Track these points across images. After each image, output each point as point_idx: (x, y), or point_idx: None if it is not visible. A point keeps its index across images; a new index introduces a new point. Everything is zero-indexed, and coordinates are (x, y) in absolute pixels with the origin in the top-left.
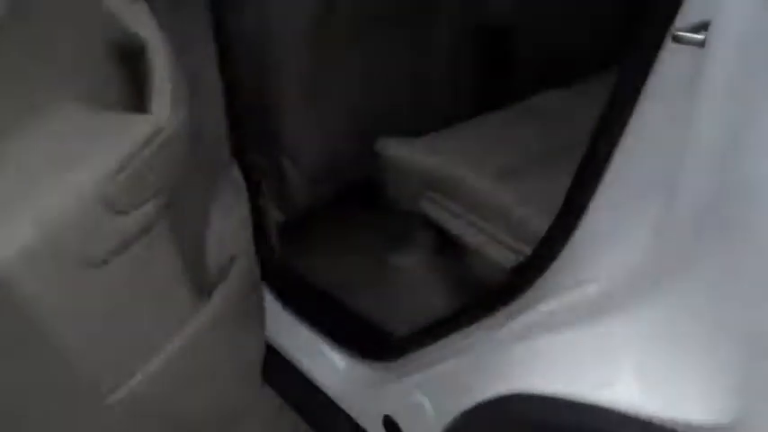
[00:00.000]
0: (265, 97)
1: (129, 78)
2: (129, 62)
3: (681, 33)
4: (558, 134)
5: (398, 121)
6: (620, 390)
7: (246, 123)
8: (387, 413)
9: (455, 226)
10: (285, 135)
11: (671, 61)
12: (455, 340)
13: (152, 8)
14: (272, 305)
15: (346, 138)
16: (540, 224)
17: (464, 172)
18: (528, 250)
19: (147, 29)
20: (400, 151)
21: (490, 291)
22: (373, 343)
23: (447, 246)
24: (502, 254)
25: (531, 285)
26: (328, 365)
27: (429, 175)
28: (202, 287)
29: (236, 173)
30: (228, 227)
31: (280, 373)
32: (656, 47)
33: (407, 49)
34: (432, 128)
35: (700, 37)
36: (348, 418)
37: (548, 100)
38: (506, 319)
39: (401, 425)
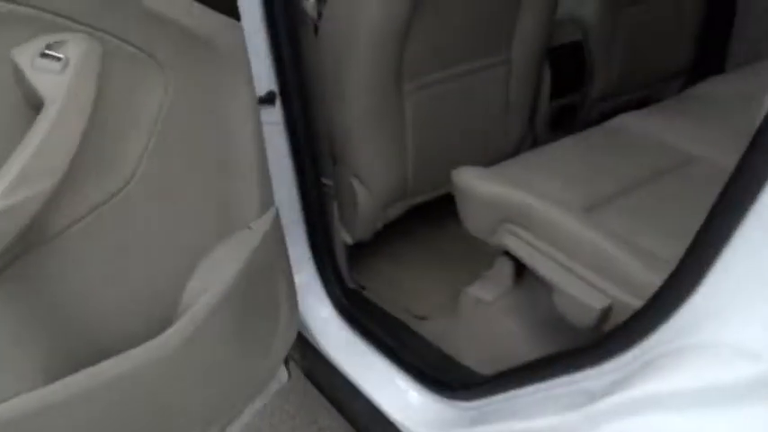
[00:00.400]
0: (339, 124)
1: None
2: None
3: None
4: (641, 160)
5: (473, 144)
6: None
7: (318, 148)
8: None
9: (537, 262)
10: (357, 159)
11: None
12: (541, 392)
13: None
14: (343, 332)
15: (416, 162)
16: (632, 264)
17: (547, 206)
18: (619, 292)
19: (50, 87)
20: (478, 181)
21: (593, 340)
22: (450, 379)
23: (528, 279)
24: (589, 294)
25: (643, 340)
26: (401, 399)
27: (509, 208)
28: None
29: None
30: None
31: (350, 401)
32: None
33: (482, 76)
34: (505, 151)
35: None
36: None
37: (625, 123)
38: (609, 383)
39: None
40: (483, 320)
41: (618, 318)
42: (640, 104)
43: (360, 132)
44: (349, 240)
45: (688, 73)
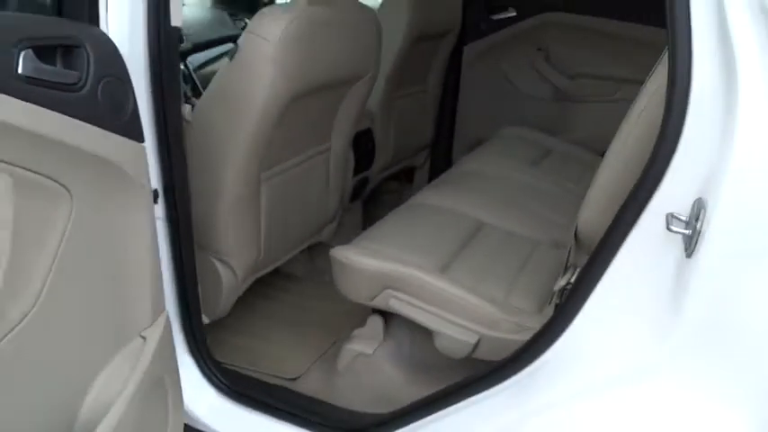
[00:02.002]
0: (206, 214)
1: None
2: None
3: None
4: (453, 227)
5: (305, 217)
6: None
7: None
8: None
9: (418, 315)
10: (222, 243)
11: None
12: (460, 411)
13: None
14: (229, 409)
15: (268, 237)
16: (485, 307)
17: (418, 273)
18: (481, 328)
19: None
20: (360, 258)
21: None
22: (351, 424)
23: (392, 331)
24: (462, 333)
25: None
26: None
27: (390, 279)
28: None
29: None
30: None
31: None
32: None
33: (312, 162)
34: (325, 221)
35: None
36: None
37: (425, 199)
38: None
39: None
40: (366, 370)
41: (484, 346)
42: (403, 172)
43: (228, 219)
44: (206, 320)
45: (431, 146)
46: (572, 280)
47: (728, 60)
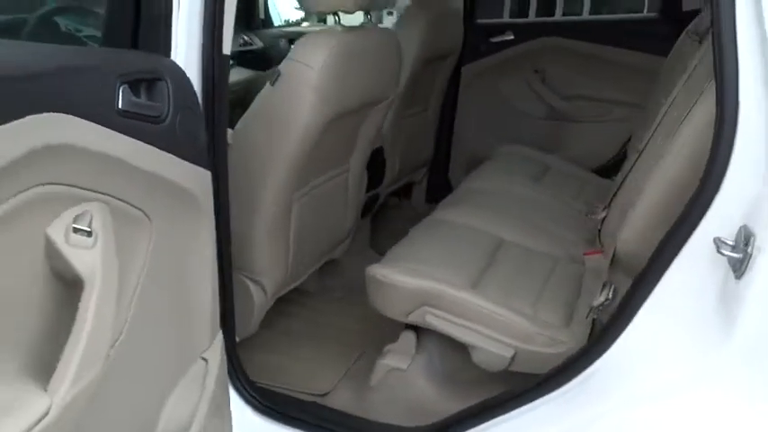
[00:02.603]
0: (241, 234)
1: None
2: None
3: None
4: (475, 244)
5: (326, 234)
6: None
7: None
8: None
9: (455, 331)
10: (254, 263)
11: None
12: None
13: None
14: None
15: (295, 255)
16: (517, 321)
17: (453, 290)
18: (516, 342)
19: (86, 265)
20: (397, 276)
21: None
22: None
23: (423, 346)
24: (498, 347)
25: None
26: None
27: (427, 296)
28: None
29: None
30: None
31: None
32: None
33: (335, 181)
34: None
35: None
36: None
37: (444, 216)
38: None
39: None
40: (399, 384)
41: (520, 360)
42: (402, 187)
43: (263, 238)
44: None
45: (431, 162)
46: (609, 296)
47: None
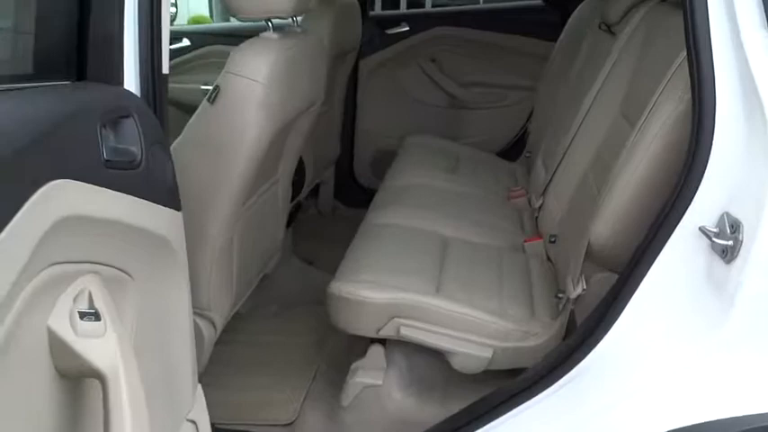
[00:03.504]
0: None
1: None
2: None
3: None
4: (424, 245)
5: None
6: None
7: None
8: None
9: (429, 339)
10: (202, 297)
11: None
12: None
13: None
14: None
15: (238, 278)
16: (487, 319)
17: (421, 298)
18: (490, 341)
19: (104, 357)
20: (365, 291)
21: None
22: None
23: (392, 358)
24: (475, 349)
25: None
26: None
27: (398, 307)
28: None
29: None
30: None
31: None
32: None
33: (267, 195)
34: (275, 251)
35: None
36: None
37: (386, 219)
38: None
39: None
40: (376, 401)
41: (498, 358)
42: (313, 189)
43: (211, 271)
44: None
45: (336, 161)
46: (584, 287)
47: (748, 84)
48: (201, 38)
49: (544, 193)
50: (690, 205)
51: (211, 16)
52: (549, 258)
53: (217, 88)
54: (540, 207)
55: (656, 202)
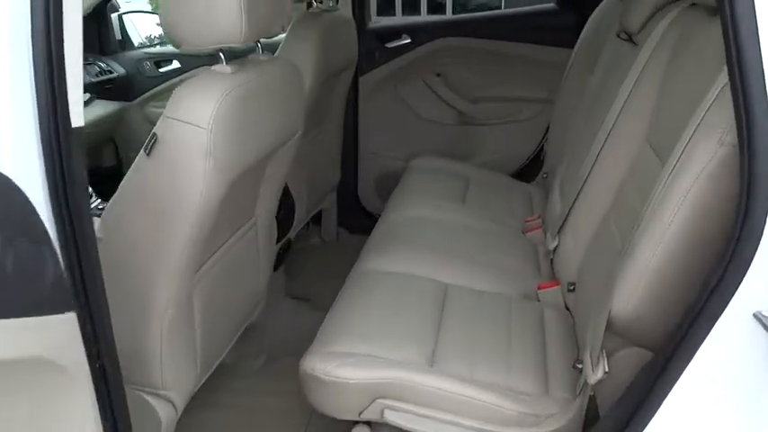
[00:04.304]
0: (132, 345)
1: None
2: None
3: None
4: (418, 297)
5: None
6: None
7: None
8: None
9: (417, 423)
10: (156, 376)
11: None
12: None
13: None
14: None
15: (203, 348)
16: (488, 400)
17: (410, 375)
18: (487, 425)
19: None
20: (343, 370)
21: None
22: None
23: None
24: None
25: None
26: None
27: (380, 387)
28: None
29: None
30: None
31: None
32: None
33: (241, 244)
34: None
35: None
36: None
37: (373, 262)
38: None
39: None
40: None
41: None
42: (316, 217)
43: (162, 347)
44: None
45: (338, 186)
46: (606, 369)
47: None
48: (194, 60)
49: (560, 231)
50: (741, 283)
51: None
52: (567, 307)
53: (154, 137)
54: (555, 248)
55: (695, 267)
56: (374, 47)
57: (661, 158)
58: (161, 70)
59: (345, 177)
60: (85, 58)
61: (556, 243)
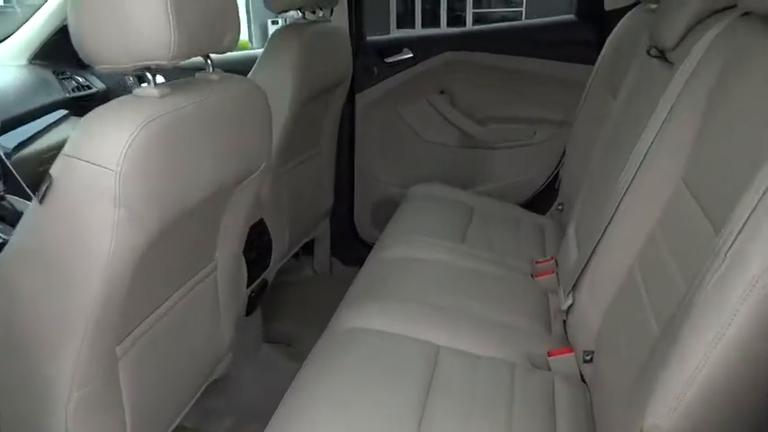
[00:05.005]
0: None
1: None
2: None
3: None
4: (405, 360)
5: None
6: None
7: None
8: None
9: None
10: None
11: None
12: None
13: None
14: None
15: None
16: None
17: None
18: None
19: None
20: None
21: None
22: None
23: None
24: None
25: None
26: None
27: None
28: None
29: None
30: None
31: None
32: None
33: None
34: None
35: None
36: None
37: (354, 319)
38: None
39: None
40: None
41: None
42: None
43: None
44: None
45: (332, 213)
46: None
47: None
48: (181, 73)
49: (575, 287)
50: None
51: (250, 40)
52: (583, 378)
53: (48, 179)
54: (569, 308)
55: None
56: (372, 62)
57: (703, 207)
58: (144, 85)
59: (340, 204)
60: (62, 72)
61: (570, 302)
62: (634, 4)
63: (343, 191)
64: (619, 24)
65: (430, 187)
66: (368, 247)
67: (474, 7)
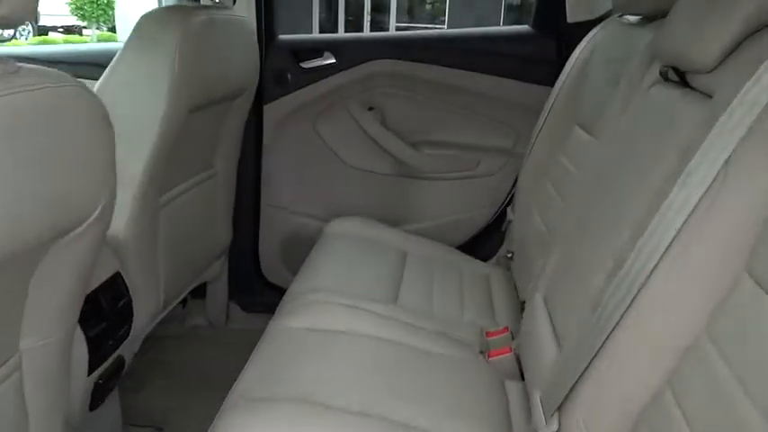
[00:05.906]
0: None
1: None
2: None
3: None
4: None
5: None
6: None
7: None
8: None
9: None
10: None
11: None
12: None
13: None
14: None
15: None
16: None
17: None
18: None
19: None
20: None
21: None
22: None
23: None
24: None
25: None
26: None
27: None
28: None
29: None
30: None
31: None
32: None
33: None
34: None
35: None
36: None
37: (232, 419)
38: None
39: None
40: None
41: None
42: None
43: None
44: None
45: (230, 250)
46: None
47: None
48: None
49: (562, 407)
50: None
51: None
52: None
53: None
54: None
55: None
56: (285, 66)
57: None
58: None
59: (241, 239)
60: None
61: (555, 428)
62: (603, 16)
63: (246, 223)
64: (585, 40)
65: (352, 222)
66: (275, 290)
67: (397, 21)
